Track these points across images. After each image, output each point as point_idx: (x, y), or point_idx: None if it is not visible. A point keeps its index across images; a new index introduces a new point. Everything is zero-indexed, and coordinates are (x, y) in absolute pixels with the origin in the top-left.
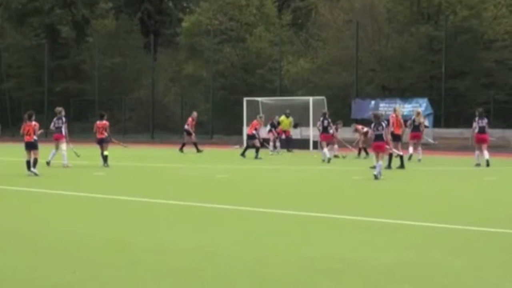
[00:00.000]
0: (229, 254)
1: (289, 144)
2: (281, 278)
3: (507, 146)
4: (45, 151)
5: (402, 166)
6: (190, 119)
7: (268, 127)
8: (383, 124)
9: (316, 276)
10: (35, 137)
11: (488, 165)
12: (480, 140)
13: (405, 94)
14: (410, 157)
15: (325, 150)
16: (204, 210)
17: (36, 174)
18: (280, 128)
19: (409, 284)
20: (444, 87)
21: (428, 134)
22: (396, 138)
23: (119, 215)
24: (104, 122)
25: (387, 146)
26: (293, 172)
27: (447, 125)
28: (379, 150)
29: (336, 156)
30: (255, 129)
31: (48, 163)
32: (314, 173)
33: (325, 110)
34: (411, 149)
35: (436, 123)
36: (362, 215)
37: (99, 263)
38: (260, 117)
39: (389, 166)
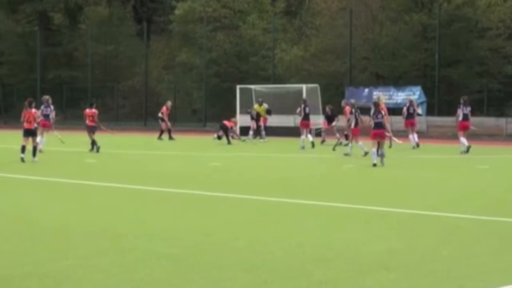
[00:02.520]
0: (220, 241)
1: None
2: (272, 266)
3: (500, 134)
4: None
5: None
6: (164, 108)
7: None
8: (383, 112)
9: (307, 263)
10: (35, 125)
11: (467, 151)
12: (465, 127)
13: (399, 82)
14: (418, 145)
15: (303, 137)
16: (196, 198)
17: (35, 161)
18: (263, 117)
19: (399, 271)
20: (437, 75)
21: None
22: None
23: (111, 202)
24: (94, 110)
25: (386, 133)
26: (285, 160)
27: (441, 113)
28: (378, 137)
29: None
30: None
31: (40, 151)
32: (305, 160)
33: (304, 97)
34: (411, 137)
35: (430, 111)
36: (353, 203)
37: (91, 250)
38: (233, 120)
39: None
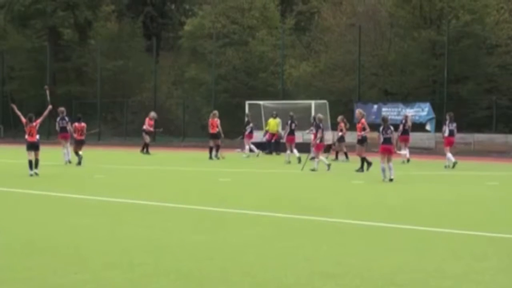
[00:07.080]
0: (228, 256)
1: (277, 147)
2: (281, 281)
3: (510, 151)
4: (45, 152)
5: (361, 169)
6: (148, 119)
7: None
8: (392, 128)
9: (315, 279)
10: (37, 137)
11: (453, 166)
12: (450, 142)
13: (408, 99)
14: (408, 160)
15: (288, 152)
16: (204, 213)
17: (37, 174)
18: (269, 132)
19: None
20: (446, 92)
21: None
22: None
23: (118, 217)
24: (83, 124)
25: (393, 149)
26: (292, 176)
27: None
28: (387, 153)
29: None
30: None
31: (69, 162)
32: (313, 176)
33: (292, 113)
34: (406, 152)
35: (438, 128)
36: (361, 219)
37: (100, 264)
38: (214, 114)
39: (361, 169)
